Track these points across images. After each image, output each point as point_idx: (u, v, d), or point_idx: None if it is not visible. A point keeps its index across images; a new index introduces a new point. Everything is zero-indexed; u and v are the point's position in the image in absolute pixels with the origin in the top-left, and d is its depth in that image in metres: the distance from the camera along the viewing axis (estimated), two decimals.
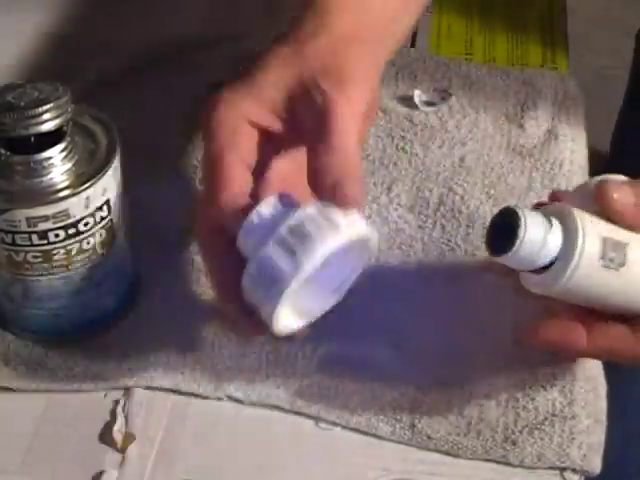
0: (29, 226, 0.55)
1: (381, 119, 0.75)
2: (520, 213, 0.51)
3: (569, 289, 0.52)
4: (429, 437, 0.57)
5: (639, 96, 0.94)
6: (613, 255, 0.52)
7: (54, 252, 0.57)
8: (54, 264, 0.57)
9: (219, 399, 0.59)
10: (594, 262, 0.52)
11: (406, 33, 0.63)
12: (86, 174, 0.56)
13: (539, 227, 0.51)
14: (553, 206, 0.54)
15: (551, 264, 0.52)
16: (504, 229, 0.52)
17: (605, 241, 0.52)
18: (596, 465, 0.56)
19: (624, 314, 0.55)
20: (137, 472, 0.56)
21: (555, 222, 0.52)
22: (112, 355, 0.60)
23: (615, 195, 0.53)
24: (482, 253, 0.66)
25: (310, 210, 0.50)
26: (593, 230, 0.52)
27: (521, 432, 0.57)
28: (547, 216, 0.52)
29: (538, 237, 0.51)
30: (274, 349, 0.60)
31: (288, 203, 0.52)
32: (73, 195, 0.55)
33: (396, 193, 0.70)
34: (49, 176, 0.55)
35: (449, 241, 0.67)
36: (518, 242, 0.51)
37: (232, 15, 0.86)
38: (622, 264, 0.52)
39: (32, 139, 0.55)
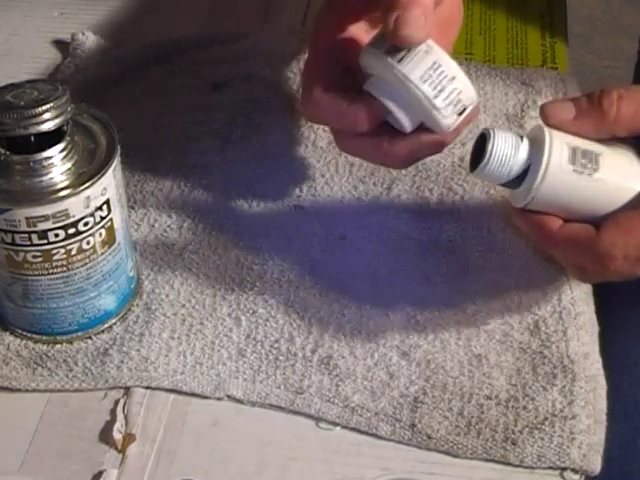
0: (29, 226, 0.55)
1: None
2: (491, 132, 0.56)
3: (544, 194, 0.55)
4: (429, 437, 0.57)
5: None
6: (584, 161, 0.55)
7: (54, 252, 0.57)
8: (54, 264, 0.57)
9: (219, 399, 0.59)
10: (564, 166, 0.55)
11: None
12: (86, 174, 0.56)
13: (507, 141, 0.55)
14: (531, 128, 0.58)
15: (525, 175, 0.56)
16: (480, 149, 0.56)
17: (575, 149, 0.55)
18: (596, 465, 0.56)
19: (597, 222, 0.57)
20: (137, 472, 0.56)
21: (526, 139, 0.56)
22: (112, 355, 0.60)
23: (550, 110, 0.56)
24: (482, 254, 0.66)
25: None
26: (562, 140, 0.56)
27: (521, 432, 0.57)
28: (520, 135, 0.56)
29: (506, 149, 0.55)
30: (274, 349, 0.60)
31: None
32: (73, 195, 0.55)
33: (396, 193, 0.70)
34: (49, 176, 0.55)
35: (449, 241, 0.67)
36: (487, 155, 0.55)
37: (232, 16, 0.86)
38: (595, 169, 0.55)
39: (32, 139, 0.55)
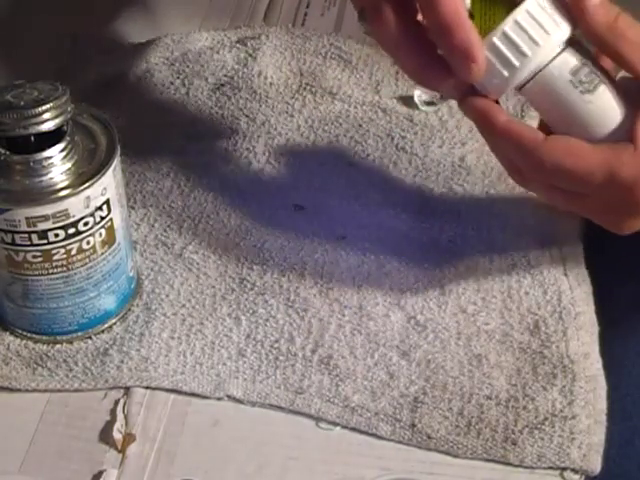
0: (29, 226, 0.55)
1: (381, 119, 0.75)
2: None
3: (535, 87, 0.56)
4: (429, 437, 0.57)
5: None
6: (584, 78, 0.55)
7: (54, 252, 0.57)
8: (54, 264, 0.57)
9: (219, 399, 0.59)
10: (564, 72, 0.55)
11: None
12: (86, 174, 0.56)
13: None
14: None
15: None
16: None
17: (583, 64, 0.56)
18: (596, 465, 0.56)
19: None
20: (137, 472, 0.56)
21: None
22: (112, 355, 0.60)
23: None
24: (482, 254, 0.66)
25: None
26: (581, 51, 0.56)
27: (521, 432, 0.57)
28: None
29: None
30: (274, 349, 0.60)
31: None
32: (73, 195, 0.55)
33: (396, 193, 0.70)
34: (49, 176, 0.55)
35: (449, 241, 0.67)
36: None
37: (232, 15, 0.86)
38: (588, 91, 0.56)
39: (32, 139, 0.55)
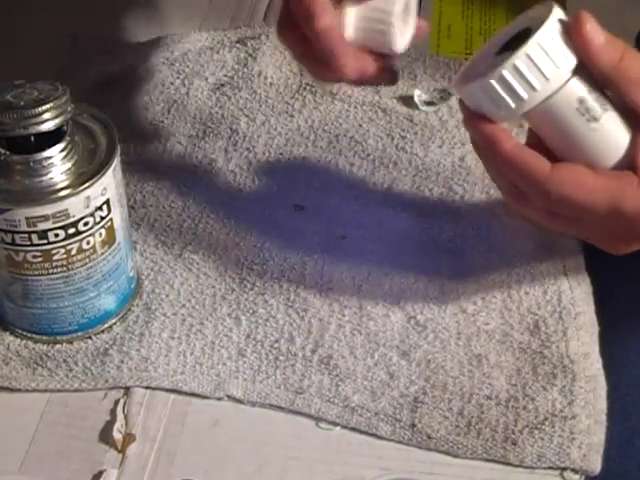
0: (29, 226, 0.55)
1: (381, 119, 0.75)
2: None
3: (540, 114, 0.55)
4: (429, 437, 0.57)
5: None
6: (590, 106, 0.55)
7: (54, 252, 0.57)
8: (54, 264, 0.57)
9: (219, 399, 0.59)
10: (571, 101, 0.55)
11: None
12: (86, 174, 0.56)
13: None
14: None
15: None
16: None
17: (589, 92, 0.55)
18: (596, 465, 0.56)
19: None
20: (137, 472, 0.56)
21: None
22: (112, 355, 0.60)
23: (589, 21, 0.54)
24: (482, 254, 0.66)
25: None
26: (587, 80, 0.55)
27: (521, 432, 0.57)
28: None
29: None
30: (274, 349, 0.60)
31: None
32: (73, 195, 0.55)
33: (396, 193, 0.70)
34: (49, 176, 0.55)
35: (449, 241, 0.67)
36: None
37: (232, 15, 0.86)
38: (595, 119, 0.55)
39: (32, 139, 0.55)
